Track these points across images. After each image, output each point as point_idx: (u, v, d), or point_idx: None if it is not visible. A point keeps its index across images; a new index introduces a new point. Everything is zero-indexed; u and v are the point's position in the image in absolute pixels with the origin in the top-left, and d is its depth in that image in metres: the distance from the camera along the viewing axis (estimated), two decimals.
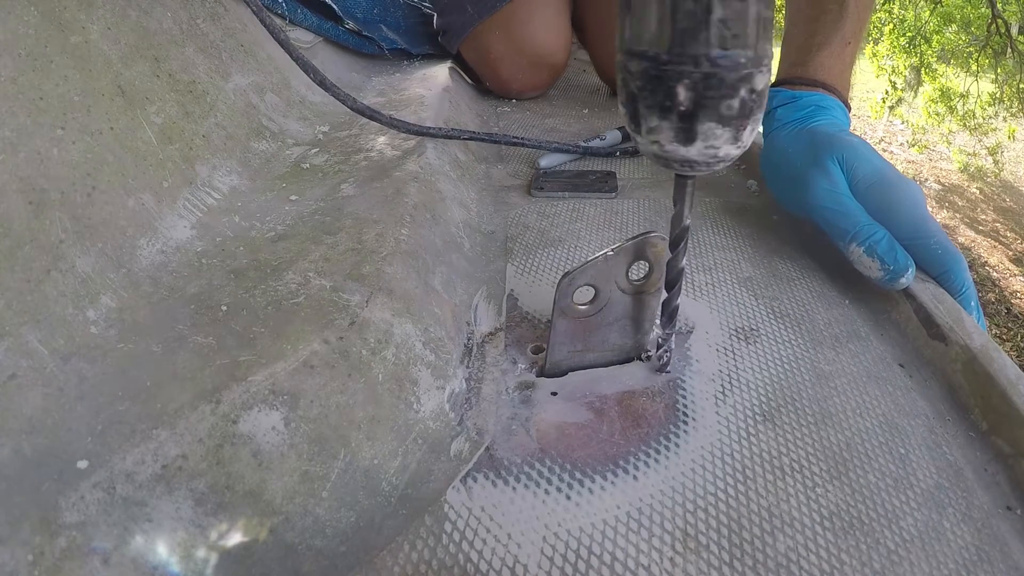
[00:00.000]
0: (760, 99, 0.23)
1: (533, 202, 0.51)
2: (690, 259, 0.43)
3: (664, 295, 0.30)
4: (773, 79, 0.53)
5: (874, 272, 0.37)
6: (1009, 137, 4.25)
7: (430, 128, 0.49)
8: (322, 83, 0.44)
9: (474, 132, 0.52)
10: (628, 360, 0.33)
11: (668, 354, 0.32)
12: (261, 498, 0.23)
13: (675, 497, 0.26)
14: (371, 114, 0.45)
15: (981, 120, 4.39)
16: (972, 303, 0.37)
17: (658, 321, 0.31)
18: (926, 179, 4.64)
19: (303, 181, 0.42)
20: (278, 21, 0.44)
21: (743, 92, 0.22)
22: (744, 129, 0.23)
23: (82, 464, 0.20)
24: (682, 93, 0.22)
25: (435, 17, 0.83)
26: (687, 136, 0.23)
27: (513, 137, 0.56)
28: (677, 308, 0.30)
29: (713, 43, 0.21)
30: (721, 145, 0.23)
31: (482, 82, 0.82)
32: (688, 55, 0.21)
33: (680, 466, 0.27)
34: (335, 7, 0.71)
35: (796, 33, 0.52)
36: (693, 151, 0.23)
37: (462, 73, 0.83)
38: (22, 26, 0.30)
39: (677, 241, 0.28)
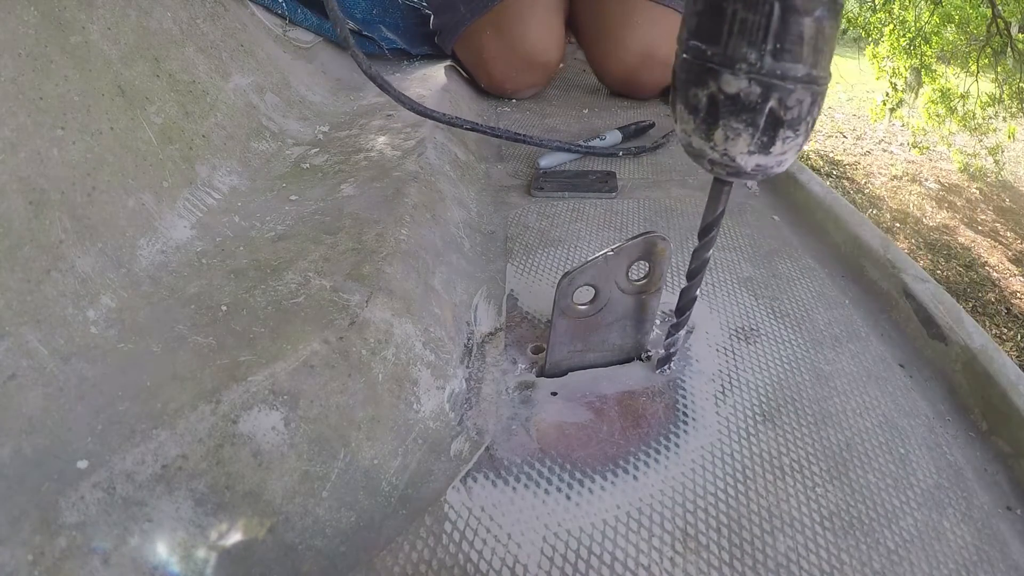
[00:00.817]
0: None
1: (533, 202, 0.51)
2: (690, 259, 0.43)
3: (660, 295, 0.30)
4: None
5: None
6: (1009, 137, 4.25)
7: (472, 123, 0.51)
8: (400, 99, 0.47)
9: (508, 130, 0.54)
10: (628, 360, 0.33)
11: (674, 349, 0.32)
12: (261, 498, 0.23)
13: (675, 497, 0.26)
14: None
15: (981, 121, 4.39)
16: None
17: (658, 321, 0.31)
18: (926, 179, 4.65)
19: (303, 181, 0.42)
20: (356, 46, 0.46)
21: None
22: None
23: (82, 464, 0.20)
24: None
25: (431, 17, 0.83)
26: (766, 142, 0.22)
27: (527, 136, 0.56)
28: (694, 300, 0.30)
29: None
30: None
31: (477, 82, 0.82)
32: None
33: (680, 466, 0.27)
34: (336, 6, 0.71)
35: None
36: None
37: (462, 73, 0.83)
38: (22, 26, 0.30)
39: (708, 230, 0.28)
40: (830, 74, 0.22)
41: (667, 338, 0.31)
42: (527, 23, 0.75)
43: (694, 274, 0.29)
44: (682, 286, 0.30)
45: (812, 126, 0.23)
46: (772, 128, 0.22)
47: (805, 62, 0.21)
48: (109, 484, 0.20)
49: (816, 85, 0.21)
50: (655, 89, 0.81)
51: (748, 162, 0.23)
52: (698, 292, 0.30)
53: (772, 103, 0.21)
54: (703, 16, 0.22)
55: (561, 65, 1.00)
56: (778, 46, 0.20)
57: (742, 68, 0.21)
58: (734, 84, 0.21)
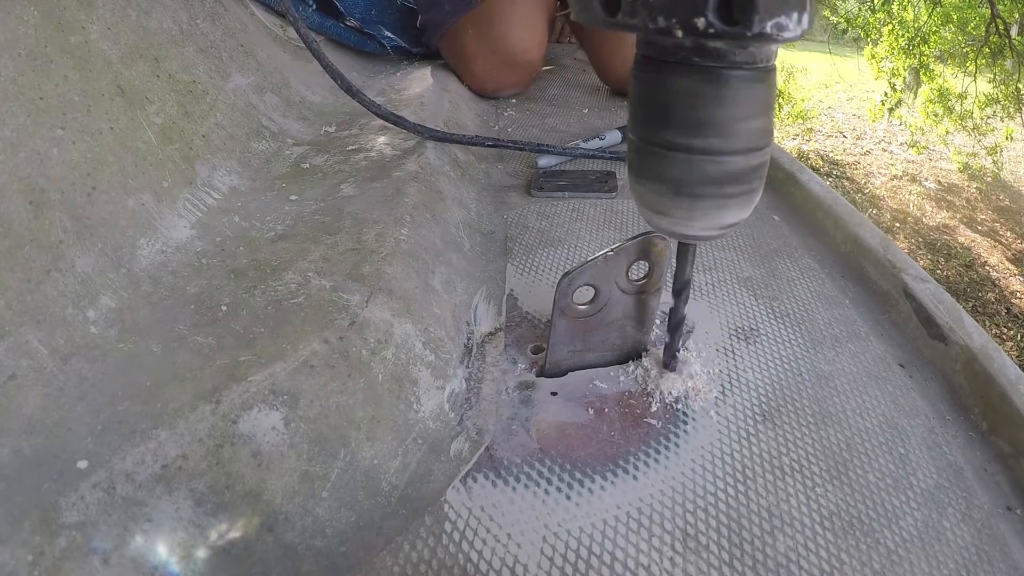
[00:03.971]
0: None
1: (533, 202, 0.51)
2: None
3: (660, 295, 0.30)
4: None
5: None
6: (1007, 138, 4.25)
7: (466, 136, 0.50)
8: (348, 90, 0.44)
9: (516, 142, 0.54)
10: (628, 360, 0.33)
11: (674, 360, 0.32)
12: (261, 498, 0.23)
13: (675, 497, 0.26)
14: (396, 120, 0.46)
15: (979, 121, 4.39)
16: None
17: (658, 321, 0.31)
18: (926, 179, 4.65)
19: (303, 181, 0.42)
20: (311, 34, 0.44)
21: None
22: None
23: (82, 464, 0.20)
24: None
25: (419, 15, 0.83)
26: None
27: (540, 145, 0.56)
28: (683, 320, 0.30)
29: None
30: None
31: (460, 80, 0.82)
32: None
33: (680, 466, 0.27)
34: (337, 3, 0.71)
35: None
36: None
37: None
38: (22, 26, 0.30)
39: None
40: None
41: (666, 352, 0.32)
42: (509, 22, 0.75)
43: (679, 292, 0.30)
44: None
45: None
46: None
47: None
48: (109, 484, 0.20)
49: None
50: None
51: None
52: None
53: None
54: None
55: (551, 66, 1.00)
56: None
57: None
58: None
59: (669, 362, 0.32)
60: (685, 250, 0.27)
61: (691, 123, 0.22)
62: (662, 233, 0.26)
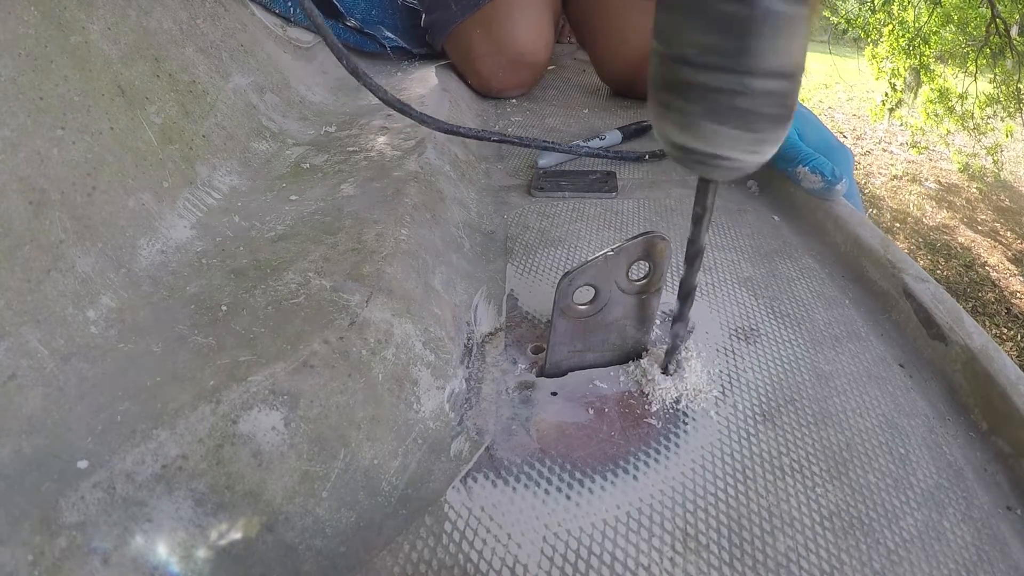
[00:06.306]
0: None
1: (533, 202, 0.51)
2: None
3: (661, 295, 0.30)
4: None
5: (817, 184, 0.47)
6: (1007, 136, 4.25)
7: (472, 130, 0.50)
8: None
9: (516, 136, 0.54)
10: (628, 360, 0.33)
11: (677, 353, 0.31)
12: (261, 498, 0.23)
13: (675, 497, 0.26)
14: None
15: (979, 121, 4.39)
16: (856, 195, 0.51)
17: (658, 321, 0.31)
18: (926, 179, 4.65)
19: (303, 181, 0.42)
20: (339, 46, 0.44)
21: None
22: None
23: (82, 464, 0.20)
24: None
25: (423, 15, 0.83)
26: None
27: (546, 142, 0.56)
28: (694, 290, 0.29)
29: None
30: None
31: (465, 80, 0.82)
32: None
33: (680, 466, 0.27)
34: (337, 3, 0.71)
35: None
36: None
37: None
38: (22, 26, 0.30)
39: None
40: None
41: (669, 353, 0.31)
42: (516, 23, 0.75)
43: (691, 260, 0.28)
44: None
45: None
46: None
47: None
48: (109, 484, 0.20)
49: None
50: None
51: None
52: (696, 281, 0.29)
53: None
54: None
55: (552, 67, 1.00)
56: None
57: None
58: None
59: (668, 365, 0.31)
60: (705, 187, 0.25)
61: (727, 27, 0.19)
62: (684, 160, 0.23)
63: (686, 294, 0.29)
